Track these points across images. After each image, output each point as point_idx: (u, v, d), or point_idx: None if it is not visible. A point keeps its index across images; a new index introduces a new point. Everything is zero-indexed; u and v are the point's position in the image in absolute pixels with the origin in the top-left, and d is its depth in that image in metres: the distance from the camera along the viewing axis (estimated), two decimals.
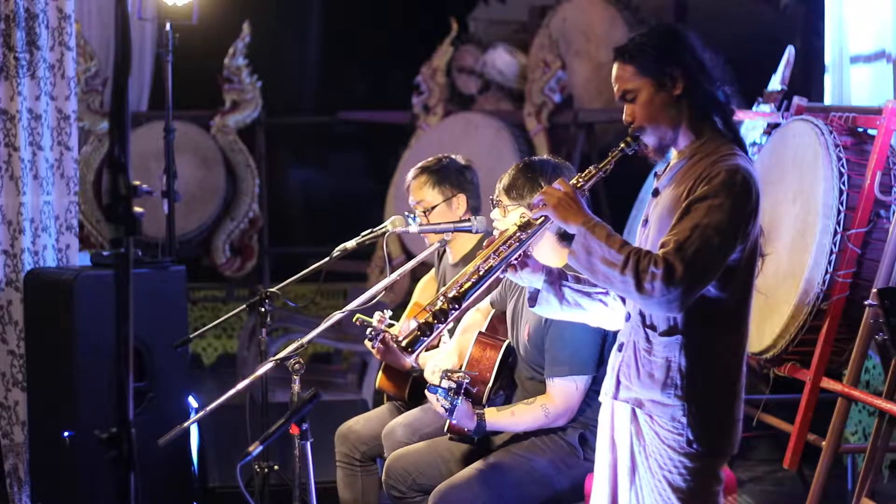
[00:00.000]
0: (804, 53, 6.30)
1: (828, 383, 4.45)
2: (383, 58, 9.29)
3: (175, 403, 4.73)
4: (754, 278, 2.86)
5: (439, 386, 3.59)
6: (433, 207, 4.24)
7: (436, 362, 3.85)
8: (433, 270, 4.56)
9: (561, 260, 3.52)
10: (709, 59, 2.89)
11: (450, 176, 4.26)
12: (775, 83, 5.52)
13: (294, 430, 3.15)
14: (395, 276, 3.90)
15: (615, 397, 2.94)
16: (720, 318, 2.81)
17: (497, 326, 3.99)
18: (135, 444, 1.97)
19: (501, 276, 2.95)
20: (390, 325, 4.15)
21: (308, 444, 3.19)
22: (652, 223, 2.90)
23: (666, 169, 2.96)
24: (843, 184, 4.37)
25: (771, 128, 5.26)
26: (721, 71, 2.90)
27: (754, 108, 5.54)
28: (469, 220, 4.03)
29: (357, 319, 4.15)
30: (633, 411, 2.89)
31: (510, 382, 3.86)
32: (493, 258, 2.91)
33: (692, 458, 2.82)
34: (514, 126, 7.84)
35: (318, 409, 3.23)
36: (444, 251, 4.39)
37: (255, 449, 2.91)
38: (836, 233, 4.35)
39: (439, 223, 4.12)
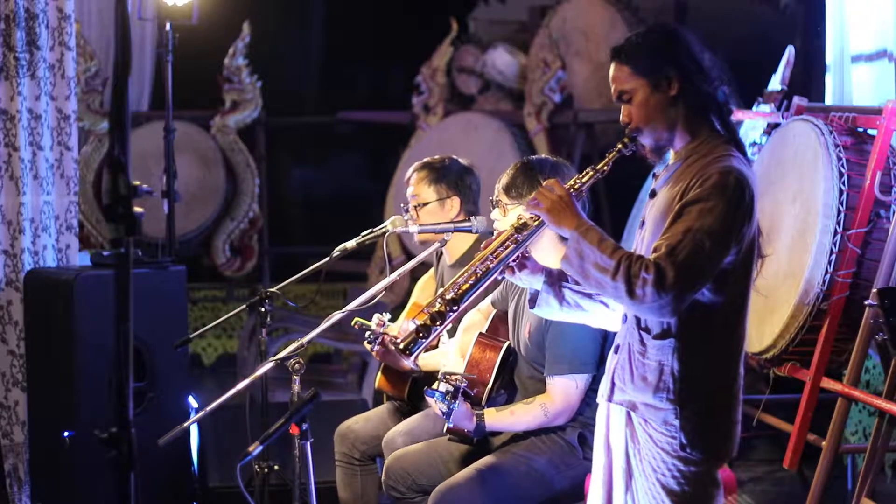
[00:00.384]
0: (804, 53, 6.30)
1: (828, 383, 4.45)
2: (383, 58, 9.29)
3: (175, 403, 4.73)
4: (751, 280, 2.83)
5: (437, 390, 3.59)
6: (425, 204, 4.26)
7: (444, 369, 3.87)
8: (432, 270, 4.56)
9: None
10: (706, 60, 2.86)
11: (448, 177, 4.27)
12: (775, 83, 5.53)
13: (294, 430, 3.15)
14: (395, 276, 3.90)
15: (610, 400, 2.92)
16: (715, 321, 2.78)
17: (498, 327, 3.99)
18: (135, 444, 1.97)
19: (500, 277, 2.94)
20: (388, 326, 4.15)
21: (308, 444, 3.19)
22: (648, 225, 2.88)
23: (664, 170, 2.95)
24: (843, 184, 4.37)
25: (771, 128, 5.26)
26: (719, 71, 2.88)
27: (754, 108, 5.54)
28: (469, 219, 4.03)
29: (356, 323, 4.15)
30: (628, 414, 2.87)
31: (510, 382, 3.86)
32: (491, 260, 2.90)
33: (686, 461, 2.80)
34: (514, 126, 7.84)
35: (318, 409, 3.23)
36: (442, 252, 4.39)
37: (255, 449, 2.91)
38: (836, 233, 4.35)
39: (438, 223, 4.12)
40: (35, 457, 4.88)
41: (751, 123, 5.50)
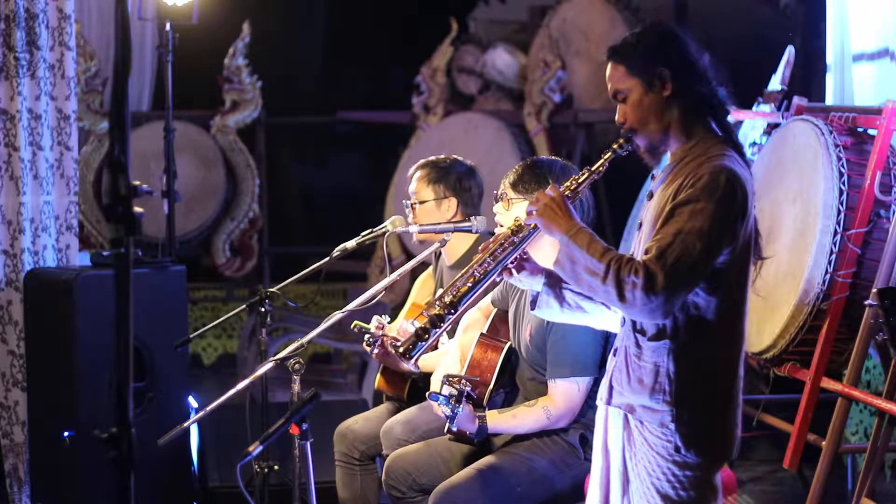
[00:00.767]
0: (804, 53, 6.30)
1: (828, 383, 4.45)
2: (383, 58, 9.29)
3: (175, 403, 4.73)
4: (748, 280, 2.81)
5: (440, 393, 3.58)
6: (423, 202, 4.26)
7: (444, 370, 3.87)
8: (430, 268, 4.56)
9: None
10: (702, 60, 2.84)
11: (447, 178, 4.27)
12: (775, 83, 5.53)
13: (294, 430, 3.15)
14: (395, 276, 3.90)
15: (609, 403, 2.91)
16: (710, 321, 2.76)
17: (499, 327, 3.99)
18: (135, 444, 1.97)
19: (498, 279, 2.94)
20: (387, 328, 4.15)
21: (308, 444, 3.19)
22: (645, 226, 2.86)
23: (661, 171, 2.94)
24: (843, 184, 4.37)
25: (771, 128, 5.26)
26: (715, 71, 2.86)
27: (754, 108, 5.54)
28: (469, 220, 4.03)
29: (355, 327, 4.16)
30: (626, 417, 2.86)
31: (511, 382, 3.86)
32: (489, 262, 2.89)
33: (681, 465, 2.78)
34: (514, 126, 7.84)
35: (318, 409, 3.23)
36: (440, 252, 4.39)
37: (255, 449, 2.91)
38: (836, 233, 4.35)
39: (438, 224, 4.12)
40: (35, 457, 4.88)
41: (751, 123, 5.50)
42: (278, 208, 8.92)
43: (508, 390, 3.87)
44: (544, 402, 3.64)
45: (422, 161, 4.36)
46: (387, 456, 4.00)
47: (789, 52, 5.50)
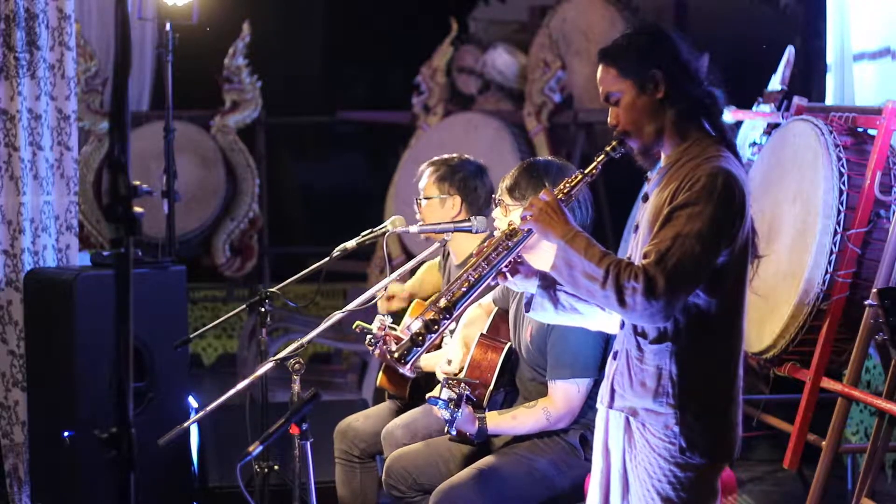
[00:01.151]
0: (804, 53, 6.29)
1: (828, 383, 4.45)
2: (383, 58, 9.29)
3: (175, 403, 4.73)
4: (746, 280, 2.80)
5: (439, 398, 3.58)
6: (427, 199, 4.27)
7: (446, 355, 3.87)
8: (436, 259, 4.55)
9: None
10: (694, 62, 2.82)
11: (452, 177, 4.27)
12: (775, 83, 5.52)
13: (294, 430, 3.15)
14: (394, 275, 3.91)
15: (610, 406, 2.90)
16: (711, 323, 2.75)
17: (499, 326, 3.99)
18: (135, 444, 1.97)
19: (493, 283, 2.93)
20: (392, 328, 4.15)
21: (308, 443, 3.19)
22: (641, 229, 2.85)
23: (656, 173, 2.93)
24: (843, 184, 4.37)
25: (771, 128, 5.25)
26: (709, 71, 2.84)
27: (754, 108, 5.54)
28: (469, 219, 4.03)
29: (357, 327, 4.16)
30: (627, 420, 2.85)
31: (510, 382, 3.86)
32: (484, 266, 2.87)
33: (683, 467, 2.78)
34: (514, 126, 7.84)
35: (318, 408, 3.23)
36: (448, 251, 4.39)
37: (255, 449, 2.91)
38: (836, 233, 4.35)
39: (439, 223, 4.12)
40: (35, 457, 4.88)
41: (751, 123, 5.50)
42: (278, 208, 8.91)
43: (508, 390, 3.87)
44: (544, 403, 3.64)
45: (433, 158, 4.38)
46: (387, 456, 4.00)
47: (789, 52, 5.49)
